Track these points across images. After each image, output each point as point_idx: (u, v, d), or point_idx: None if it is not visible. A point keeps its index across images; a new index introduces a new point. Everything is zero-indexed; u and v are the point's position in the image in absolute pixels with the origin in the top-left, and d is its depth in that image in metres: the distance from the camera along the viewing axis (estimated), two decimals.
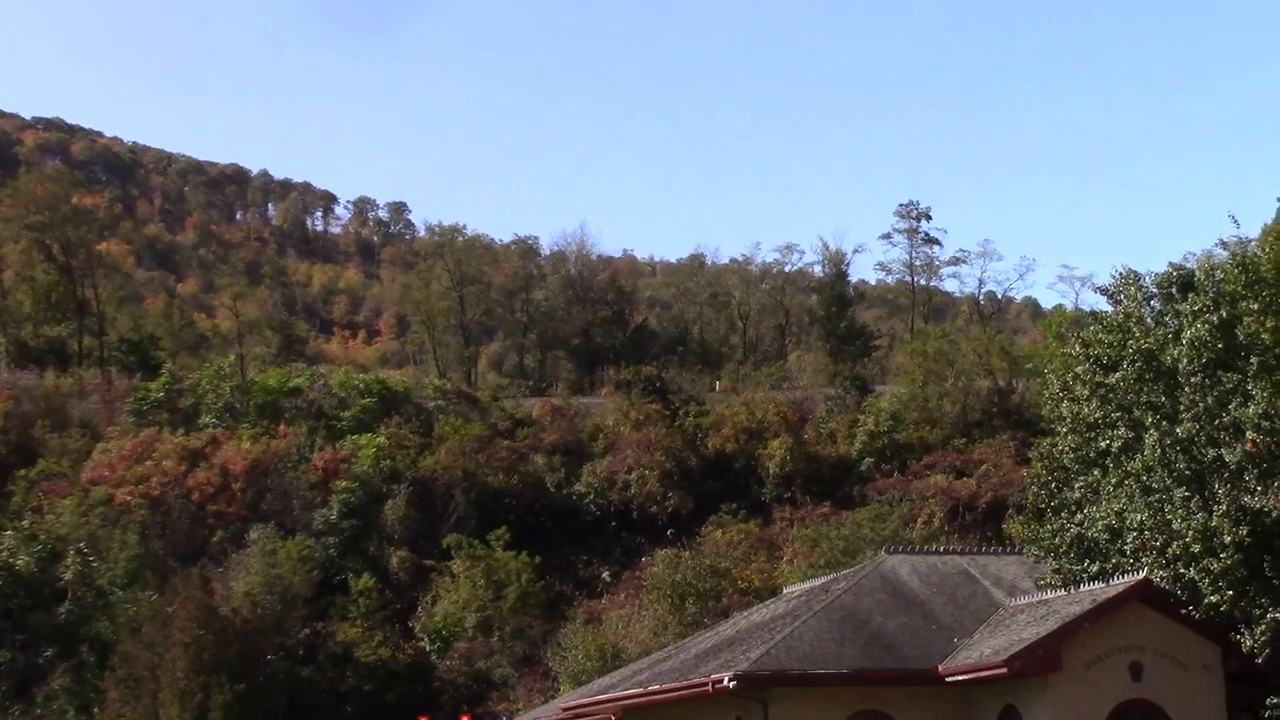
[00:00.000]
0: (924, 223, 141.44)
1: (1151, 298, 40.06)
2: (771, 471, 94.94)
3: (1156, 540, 36.16)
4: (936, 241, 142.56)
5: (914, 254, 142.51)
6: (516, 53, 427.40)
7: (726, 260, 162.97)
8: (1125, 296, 40.60)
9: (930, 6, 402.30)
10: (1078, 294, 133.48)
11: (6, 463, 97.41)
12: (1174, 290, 39.20)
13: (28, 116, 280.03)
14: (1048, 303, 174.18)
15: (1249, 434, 34.84)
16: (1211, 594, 34.88)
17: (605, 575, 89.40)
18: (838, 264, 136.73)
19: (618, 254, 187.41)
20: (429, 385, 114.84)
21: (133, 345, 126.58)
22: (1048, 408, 42.46)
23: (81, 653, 73.41)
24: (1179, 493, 35.87)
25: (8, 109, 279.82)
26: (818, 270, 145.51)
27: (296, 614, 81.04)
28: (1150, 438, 36.64)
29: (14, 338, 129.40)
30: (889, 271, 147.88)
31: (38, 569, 75.09)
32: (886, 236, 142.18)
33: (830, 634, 38.25)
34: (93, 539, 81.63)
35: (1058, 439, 41.14)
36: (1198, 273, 39.13)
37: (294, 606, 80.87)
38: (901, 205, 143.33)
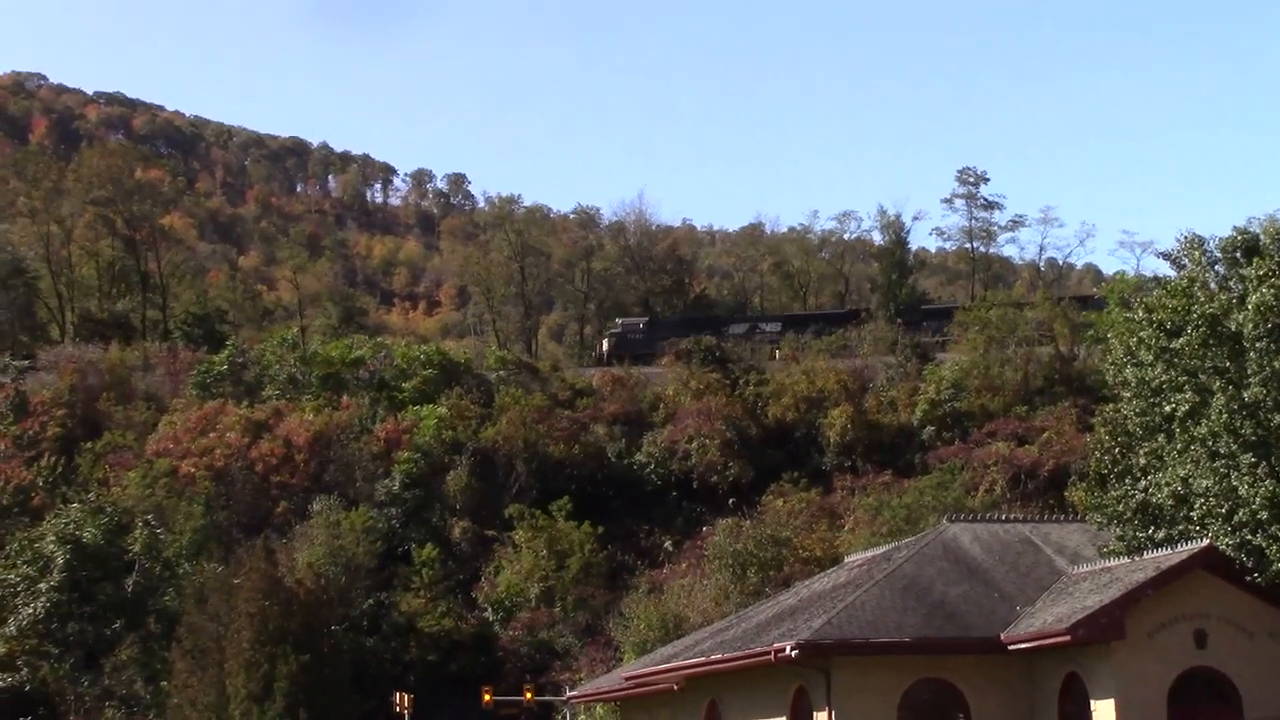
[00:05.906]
0: (982, 187, 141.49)
1: (1215, 262, 39.68)
2: (832, 440, 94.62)
3: (1223, 507, 35.83)
4: (996, 205, 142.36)
5: (973, 219, 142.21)
6: (574, 22, 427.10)
7: (785, 229, 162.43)
8: (1189, 261, 40.23)
9: None
10: (1139, 260, 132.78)
11: (73, 436, 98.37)
12: (1238, 254, 38.81)
13: (90, 91, 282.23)
14: (1109, 269, 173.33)
15: None
16: (1278, 561, 34.54)
17: (667, 545, 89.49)
18: (897, 231, 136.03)
19: (677, 223, 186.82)
20: (490, 356, 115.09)
21: (196, 318, 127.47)
22: (1111, 373, 42.02)
23: (148, 624, 74.05)
24: (1246, 458, 35.50)
25: (70, 84, 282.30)
26: (877, 237, 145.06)
27: (360, 585, 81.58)
28: (1216, 403, 36.26)
29: (80, 311, 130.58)
30: (946, 237, 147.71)
31: (105, 541, 75.69)
32: (948, 201, 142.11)
33: (892, 603, 38.18)
34: (158, 511, 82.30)
35: (1122, 404, 40.81)
36: (1263, 236, 38.71)
37: (357, 577, 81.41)
38: (960, 170, 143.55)
